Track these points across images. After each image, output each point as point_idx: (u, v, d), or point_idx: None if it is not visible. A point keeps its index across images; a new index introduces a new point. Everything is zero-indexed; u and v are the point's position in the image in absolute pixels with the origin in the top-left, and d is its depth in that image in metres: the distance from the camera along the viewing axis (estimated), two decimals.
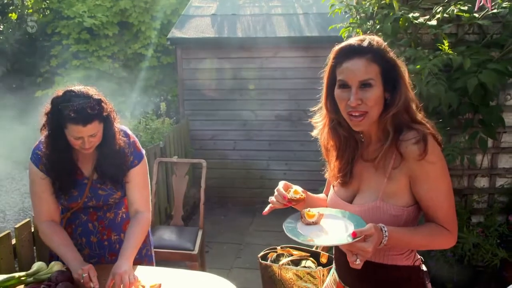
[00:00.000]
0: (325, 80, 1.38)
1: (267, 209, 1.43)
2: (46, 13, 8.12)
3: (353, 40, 1.32)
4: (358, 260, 1.17)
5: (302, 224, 1.32)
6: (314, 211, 1.34)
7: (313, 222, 1.31)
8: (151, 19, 7.40)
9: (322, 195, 1.64)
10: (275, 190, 1.42)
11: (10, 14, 8.32)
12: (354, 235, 1.17)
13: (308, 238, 1.25)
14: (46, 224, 1.90)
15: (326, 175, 1.54)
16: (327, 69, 1.36)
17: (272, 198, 1.41)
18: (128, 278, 1.71)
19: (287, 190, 1.41)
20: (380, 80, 1.28)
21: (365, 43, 1.29)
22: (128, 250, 1.85)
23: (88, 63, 7.22)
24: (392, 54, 1.32)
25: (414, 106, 1.33)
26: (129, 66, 7.38)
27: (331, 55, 1.34)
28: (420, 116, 1.35)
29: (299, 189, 1.43)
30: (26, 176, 6.90)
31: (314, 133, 1.50)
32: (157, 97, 7.06)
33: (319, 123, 1.47)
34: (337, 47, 1.33)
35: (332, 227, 1.28)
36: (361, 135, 1.42)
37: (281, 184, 1.43)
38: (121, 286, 1.69)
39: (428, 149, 1.26)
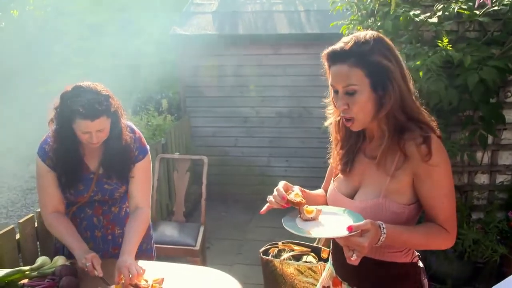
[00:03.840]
0: (329, 81, 1.39)
1: (264, 208, 1.41)
2: (48, 10, 8.12)
3: (338, 44, 1.30)
4: (354, 255, 1.17)
5: (301, 219, 1.33)
6: (313, 207, 1.35)
7: (311, 218, 1.32)
8: (153, 16, 7.40)
9: (320, 191, 1.64)
10: (275, 190, 1.39)
11: (12, 11, 8.32)
12: (350, 229, 1.17)
13: (305, 230, 1.27)
14: (52, 216, 1.93)
15: (330, 160, 1.55)
16: (326, 71, 1.38)
17: (270, 198, 1.39)
18: (136, 269, 1.73)
19: (287, 191, 1.39)
20: (366, 84, 1.26)
21: (347, 47, 1.27)
22: (129, 245, 1.87)
23: (89, 60, 7.23)
24: (381, 54, 1.27)
25: (413, 104, 1.32)
26: (130, 63, 7.38)
27: (323, 59, 1.35)
28: (423, 114, 1.34)
29: (299, 193, 1.41)
30: (28, 173, 6.95)
31: (327, 123, 1.52)
32: (158, 94, 7.05)
33: (331, 114, 1.49)
34: (324, 52, 1.34)
35: (330, 222, 1.30)
36: (364, 131, 1.43)
37: (281, 184, 1.41)
38: (129, 277, 1.71)
39: (434, 150, 1.26)
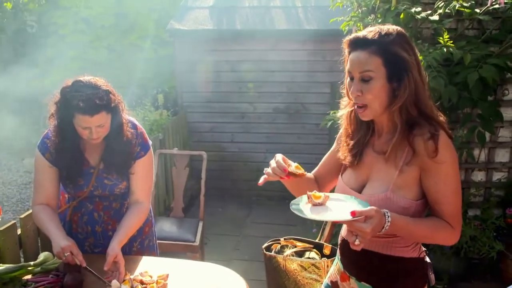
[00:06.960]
0: (345, 69, 1.40)
1: (261, 180, 1.42)
2: (42, 3, 8.04)
3: (362, 32, 1.34)
4: (357, 240, 1.19)
5: (309, 204, 1.34)
6: (321, 193, 1.36)
7: (319, 203, 1.34)
8: (148, 10, 7.35)
9: (309, 174, 1.63)
10: (274, 162, 1.40)
11: (5, 4, 8.22)
12: (353, 214, 1.19)
13: (311, 214, 1.28)
14: (39, 206, 1.90)
15: (339, 155, 1.53)
16: (345, 58, 1.39)
17: (268, 170, 1.40)
18: (111, 257, 1.74)
19: (286, 164, 1.41)
20: (382, 72, 1.29)
21: (370, 35, 1.30)
22: (118, 236, 1.85)
23: (84, 54, 7.17)
24: (401, 47, 1.30)
25: (427, 101, 1.33)
26: (126, 57, 7.33)
27: (344, 46, 1.38)
28: (435, 112, 1.35)
29: (299, 165, 1.43)
30: (22, 167, 6.90)
31: (339, 114, 1.53)
32: (154, 88, 7.02)
33: (344, 106, 1.50)
34: (347, 38, 1.36)
35: (337, 208, 1.31)
36: (374, 125, 1.44)
37: (280, 156, 1.42)
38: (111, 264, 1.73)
39: (441, 146, 1.28)
